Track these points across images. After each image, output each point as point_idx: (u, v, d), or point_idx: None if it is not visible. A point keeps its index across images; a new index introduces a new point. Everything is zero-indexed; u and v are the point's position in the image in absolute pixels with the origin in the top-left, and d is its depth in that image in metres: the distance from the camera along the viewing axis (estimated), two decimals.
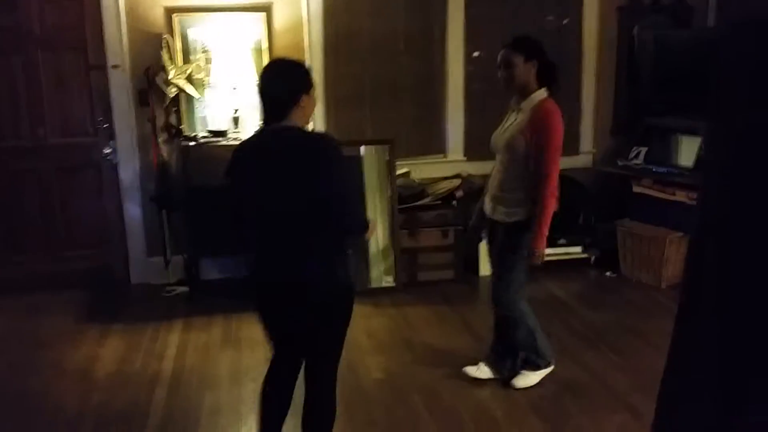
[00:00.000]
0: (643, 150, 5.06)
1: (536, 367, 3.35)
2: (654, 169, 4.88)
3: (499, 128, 3.24)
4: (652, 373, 3.39)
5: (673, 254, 4.64)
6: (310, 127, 2.77)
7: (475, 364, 3.45)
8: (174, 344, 3.95)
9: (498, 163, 3.22)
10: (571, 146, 5.30)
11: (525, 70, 3.05)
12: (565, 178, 5.07)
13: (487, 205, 3.28)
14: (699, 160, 4.71)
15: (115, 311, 4.43)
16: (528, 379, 3.34)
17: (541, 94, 3.08)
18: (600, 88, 5.32)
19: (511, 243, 3.15)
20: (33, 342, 4.00)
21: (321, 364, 2.51)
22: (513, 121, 3.14)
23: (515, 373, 3.36)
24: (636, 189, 4.93)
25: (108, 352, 3.86)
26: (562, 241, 5.00)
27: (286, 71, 2.44)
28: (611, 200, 5.19)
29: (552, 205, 3.04)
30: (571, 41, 5.23)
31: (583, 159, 5.37)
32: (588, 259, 5.08)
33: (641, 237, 4.76)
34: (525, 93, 3.09)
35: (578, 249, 5.07)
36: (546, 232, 3.05)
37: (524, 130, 3.04)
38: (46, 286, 4.74)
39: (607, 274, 4.94)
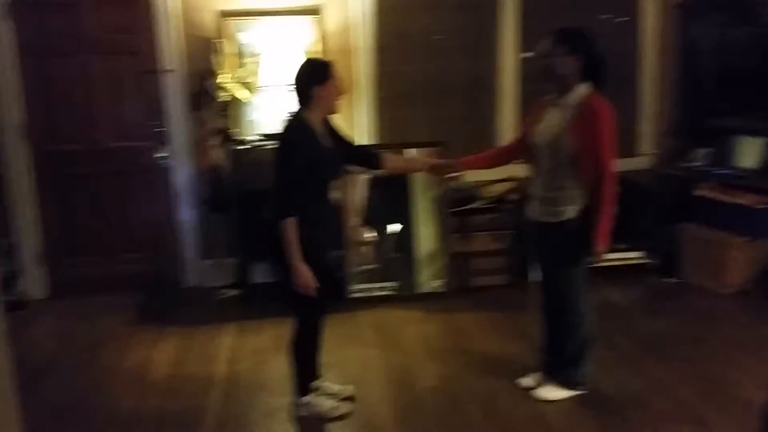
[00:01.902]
0: (705, 151, 4.87)
1: (568, 384, 3.21)
2: (716, 172, 4.69)
3: (540, 124, 3.09)
4: (718, 383, 3.28)
5: (738, 259, 4.45)
6: (333, 117, 3.05)
7: (530, 373, 3.35)
8: (227, 347, 3.95)
9: (542, 162, 3.08)
10: (630, 148, 5.17)
11: (566, 62, 2.93)
12: (624, 180, 4.89)
13: (532, 207, 3.15)
14: (764, 161, 4.51)
15: (169, 314, 4.47)
16: (555, 393, 3.21)
17: (585, 88, 2.95)
18: (659, 88, 5.15)
19: (565, 244, 3.03)
20: (89, 344, 4.05)
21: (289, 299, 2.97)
22: (556, 118, 3.01)
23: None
24: (698, 192, 4.74)
25: (162, 354, 3.88)
26: (621, 245, 4.83)
27: (301, 68, 2.89)
28: (672, 203, 5.01)
29: (614, 202, 2.92)
30: (628, 40, 5.09)
31: (642, 161, 5.20)
32: (648, 264, 4.91)
33: (704, 241, 4.58)
34: (566, 87, 2.96)
35: (638, 254, 4.90)
36: (607, 230, 2.93)
37: (571, 127, 2.91)
38: (102, 288, 4.81)
39: (669, 280, 4.76)
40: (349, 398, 3.22)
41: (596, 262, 2.99)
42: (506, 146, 3.54)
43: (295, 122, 2.89)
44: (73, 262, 4.86)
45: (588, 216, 2.94)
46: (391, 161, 3.25)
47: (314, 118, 2.89)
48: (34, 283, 4.80)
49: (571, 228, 2.98)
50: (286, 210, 2.79)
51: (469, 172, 4.58)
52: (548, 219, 3.06)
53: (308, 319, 3.04)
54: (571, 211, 2.98)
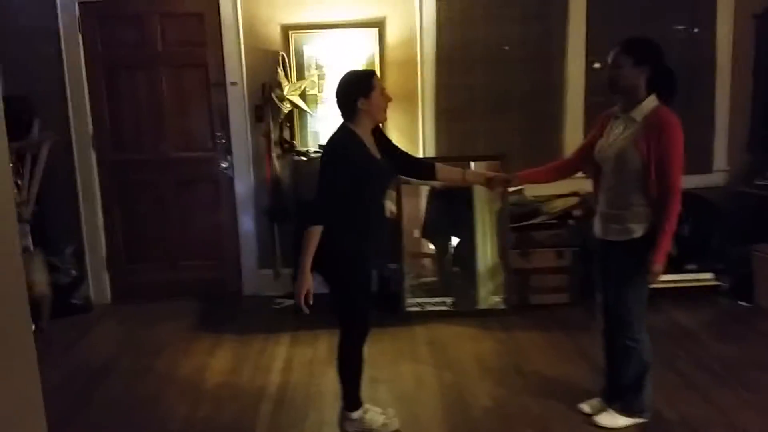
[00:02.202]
0: None
1: (629, 412, 3.04)
2: None
3: (604, 138, 2.96)
4: None
5: None
6: (384, 127, 3.12)
7: (591, 397, 3.21)
8: (281, 358, 3.95)
9: (607, 178, 2.94)
10: (703, 163, 4.95)
11: (633, 74, 2.80)
12: (696, 197, 4.74)
13: (597, 224, 3.02)
14: None
15: (226, 322, 4.52)
16: (615, 420, 3.04)
17: (652, 101, 2.81)
18: (735, 101, 4.92)
19: (630, 263, 2.88)
20: (148, 349, 4.12)
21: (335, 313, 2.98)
22: (621, 131, 2.87)
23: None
24: None
25: (218, 362, 3.92)
26: (691, 266, 4.62)
27: (342, 81, 2.85)
28: (747, 222, 4.76)
29: (675, 220, 2.77)
30: (702, 51, 4.89)
31: (716, 177, 4.97)
32: (719, 286, 4.67)
33: None
34: (632, 99, 2.83)
35: (709, 275, 4.66)
36: (668, 248, 2.77)
37: (638, 141, 2.77)
38: (163, 294, 4.92)
39: (741, 303, 4.52)
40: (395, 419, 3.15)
41: (652, 283, 2.83)
42: (567, 159, 3.40)
43: (341, 133, 2.86)
44: (136, 268, 4.98)
45: (655, 235, 2.80)
46: (445, 172, 3.17)
47: (361, 130, 2.85)
48: (98, 287, 4.94)
49: (637, 247, 2.84)
50: (316, 217, 2.76)
51: (529, 186, 4.52)
52: (614, 237, 2.92)
53: (354, 332, 3.00)
54: (638, 230, 2.84)
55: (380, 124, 2.98)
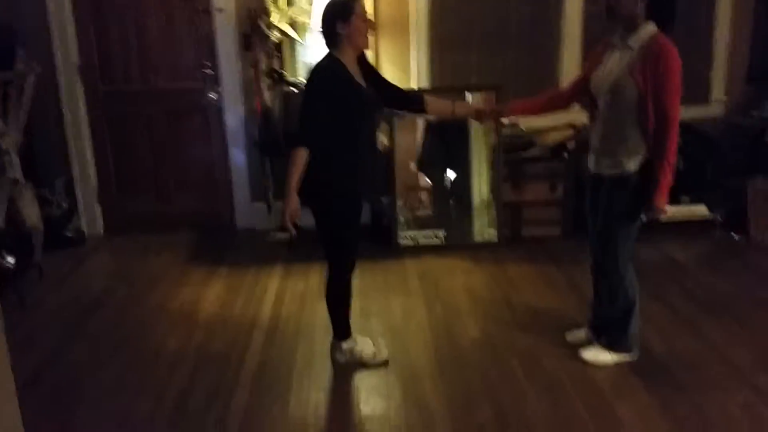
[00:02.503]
0: None
1: (615, 349, 3.04)
2: None
3: (601, 68, 2.87)
4: None
5: None
6: (369, 58, 3.01)
7: (579, 327, 3.24)
8: (273, 290, 3.97)
9: (602, 110, 2.86)
10: (700, 94, 4.86)
11: (631, 1, 2.70)
12: (691, 129, 4.66)
13: (590, 158, 2.97)
14: None
15: (219, 254, 4.52)
16: (600, 356, 3.05)
17: (651, 29, 2.71)
18: (735, 30, 4.79)
19: (619, 200, 2.84)
20: (140, 281, 4.15)
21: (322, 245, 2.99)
22: (618, 60, 2.78)
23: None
24: None
25: (210, 294, 3.94)
26: (685, 199, 4.60)
27: (325, 9, 2.79)
28: (742, 155, 4.71)
29: (675, 154, 2.71)
30: None
31: (713, 108, 4.89)
32: (714, 219, 4.65)
33: None
34: (630, 27, 2.74)
35: (703, 208, 4.64)
36: (669, 183, 2.72)
37: (633, 70, 2.68)
38: (155, 227, 4.92)
39: (735, 236, 4.52)
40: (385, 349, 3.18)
41: (655, 220, 2.80)
42: (562, 91, 3.31)
43: (326, 61, 2.80)
44: (128, 199, 4.96)
45: (649, 170, 2.75)
46: (434, 105, 3.11)
47: (346, 59, 2.79)
48: (90, 219, 4.93)
49: (630, 182, 2.79)
50: (302, 140, 2.73)
51: (524, 117, 4.45)
52: (607, 171, 2.87)
53: (340, 265, 3.00)
54: (632, 164, 2.78)
55: (365, 55, 2.91)
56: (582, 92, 3.02)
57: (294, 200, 2.74)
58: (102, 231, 4.97)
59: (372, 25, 2.85)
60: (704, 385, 2.87)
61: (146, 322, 3.63)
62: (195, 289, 4.01)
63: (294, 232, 2.78)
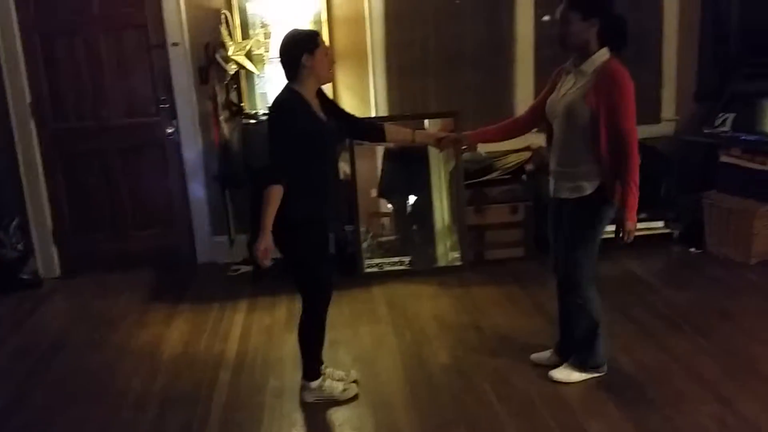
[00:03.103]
0: (731, 117, 4.68)
1: (583, 368, 3.06)
2: (742, 137, 4.51)
3: (555, 93, 2.93)
4: (743, 359, 3.15)
5: (763, 228, 4.30)
6: (325, 87, 2.98)
7: (546, 349, 3.25)
8: (239, 325, 3.90)
9: (556, 134, 2.91)
10: (652, 113, 5.00)
11: (582, 28, 2.75)
12: (646, 147, 4.74)
13: (550, 182, 3.01)
14: None
15: (181, 291, 4.44)
16: (570, 375, 3.06)
17: (603, 54, 2.77)
18: (683, 51, 4.95)
19: (581, 221, 2.88)
20: (101, 322, 4.03)
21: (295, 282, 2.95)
22: (572, 85, 2.84)
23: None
24: (723, 159, 4.58)
25: (174, 332, 3.85)
26: (642, 215, 4.65)
27: (286, 38, 2.77)
28: (696, 171, 4.84)
29: (637, 172, 2.74)
30: (649, 2, 4.87)
31: (664, 127, 5.03)
32: (670, 234, 4.76)
33: (729, 210, 4.42)
34: (584, 54, 2.79)
35: (660, 224, 4.75)
36: (636, 202, 2.76)
37: (588, 94, 2.73)
38: (115, 265, 4.81)
39: (692, 250, 4.62)
40: (354, 382, 3.13)
41: (627, 240, 2.82)
42: (519, 117, 3.34)
43: (285, 94, 2.79)
44: (85, 239, 4.86)
45: (605, 192, 2.80)
46: (394, 133, 3.12)
47: (306, 92, 2.78)
48: (46, 261, 4.80)
49: (590, 203, 2.83)
50: (275, 177, 2.69)
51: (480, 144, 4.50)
52: (567, 195, 2.90)
53: (316, 301, 2.94)
54: (588, 187, 2.82)
55: (321, 88, 2.89)
56: (540, 117, 3.06)
57: (268, 238, 2.70)
58: (59, 272, 4.84)
59: (333, 59, 2.84)
60: (674, 399, 2.90)
61: (109, 364, 3.52)
62: (158, 327, 3.92)
63: (268, 264, 2.73)
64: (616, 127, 2.71)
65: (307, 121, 2.74)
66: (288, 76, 2.79)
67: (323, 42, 2.80)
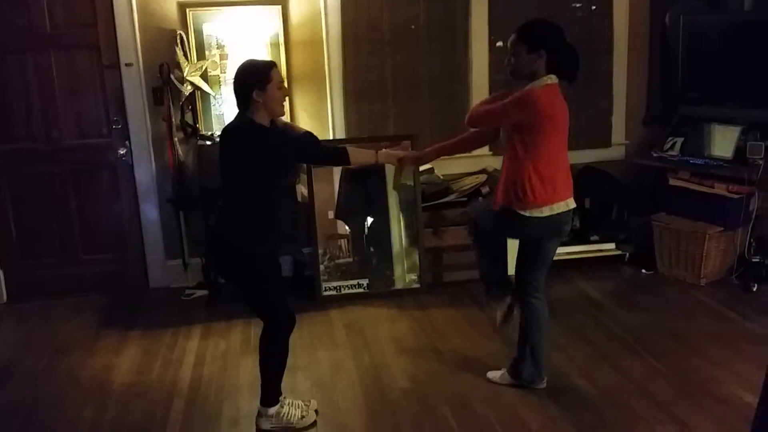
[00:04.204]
0: (679, 141, 4.81)
1: (518, 378, 3.19)
2: (691, 161, 4.64)
3: None
4: (696, 379, 3.22)
5: (713, 250, 4.41)
6: (284, 118, 3.06)
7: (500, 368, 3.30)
8: (192, 351, 3.81)
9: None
10: (603, 138, 5.10)
11: (530, 60, 2.83)
12: (597, 171, 4.89)
13: None
14: (737, 151, 4.47)
15: (133, 316, 4.32)
16: (503, 378, 3.24)
17: (542, 81, 2.83)
18: (632, 77, 5.08)
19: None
20: (49, 350, 3.89)
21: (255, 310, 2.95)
22: None
23: (532, 380, 3.19)
24: (672, 182, 4.70)
25: (125, 360, 3.74)
26: (594, 237, 4.78)
27: (239, 71, 2.77)
28: (646, 194, 4.97)
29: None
30: (600, 28, 4.99)
31: (615, 151, 5.14)
32: (622, 256, 4.85)
33: (678, 232, 4.53)
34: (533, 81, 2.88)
35: (611, 245, 4.84)
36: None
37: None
38: (63, 291, 4.66)
39: (643, 271, 4.72)
40: (314, 411, 3.08)
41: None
42: (476, 131, 3.39)
43: (239, 122, 2.78)
44: (33, 264, 4.69)
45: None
46: (357, 156, 3.12)
47: (260, 121, 2.76)
48: None
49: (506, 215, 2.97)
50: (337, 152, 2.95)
51: (439, 164, 4.54)
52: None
53: (280, 327, 2.91)
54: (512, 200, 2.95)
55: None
56: (493, 132, 3.16)
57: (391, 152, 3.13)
58: (5, 298, 4.66)
59: (286, 92, 2.83)
60: (630, 420, 2.94)
61: (57, 395, 3.40)
62: (108, 355, 3.80)
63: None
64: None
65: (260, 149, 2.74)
66: (239, 107, 2.79)
67: (277, 75, 2.77)
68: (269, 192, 2.79)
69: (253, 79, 2.71)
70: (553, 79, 2.85)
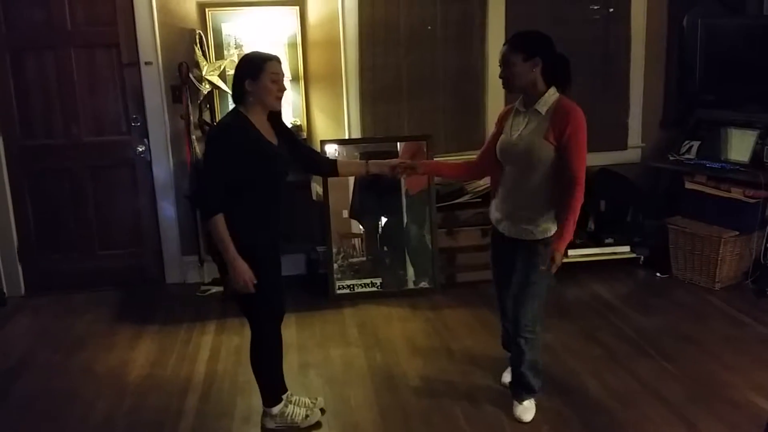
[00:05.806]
0: (695, 144, 4.80)
1: (533, 392, 3.04)
2: (707, 165, 4.62)
3: (505, 135, 2.91)
4: (709, 383, 3.21)
5: (728, 254, 4.39)
6: (292, 119, 3.11)
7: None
8: (207, 347, 3.86)
9: (513, 176, 2.88)
10: (619, 140, 5.09)
11: (525, 69, 2.76)
12: (613, 173, 4.88)
13: (503, 223, 2.96)
14: (754, 155, 4.45)
15: (148, 311, 4.37)
16: (531, 410, 3.03)
17: (553, 93, 2.79)
18: (649, 80, 5.07)
19: (539, 259, 2.81)
20: (66, 343, 3.95)
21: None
22: (525, 126, 2.83)
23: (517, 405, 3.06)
24: (688, 185, 4.68)
25: (141, 354, 3.79)
26: (609, 240, 4.77)
27: (237, 63, 2.75)
28: (662, 197, 4.95)
29: (578, 211, 2.74)
30: (617, 31, 4.99)
31: (631, 154, 5.13)
32: (637, 259, 4.84)
33: (694, 236, 4.51)
34: (532, 94, 2.80)
35: (626, 248, 4.82)
36: (570, 238, 2.74)
37: (548, 135, 2.72)
38: (81, 285, 4.73)
39: (658, 275, 4.70)
40: (320, 410, 3.09)
41: (553, 271, 2.76)
42: (472, 162, 3.25)
43: (229, 119, 2.70)
44: (51, 258, 4.76)
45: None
46: (346, 168, 3.10)
47: (254, 116, 2.69)
48: (11, 279, 4.69)
49: (547, 244, 2.80)
50: (211, 209, 2.61)
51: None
52: (529, 237, 2.85)
53: (264, 325, 2.90)
54: (553, 227, 2.80)
55: (279, 114, 2.84)
56: (490, 163, 3.02)
57: (240, 266, 2.62)
58: (23, 291, 4.73)
59: (282, 86, 2.74)
60: (641, 422, 2.94)
61: (73, 388, 3.44)
62: (124, 349, 3.85)
63: (252, 290, 2.68)
64: (568, 164, 2.71)
65: (252, 143, 2.66)
66: (234, 98, 2.74)
67: (273, 67, 2.67)
68: (263, 188, 2.72)
69: (246, 69, 2.66)
70: (557, 91, 2.83)
